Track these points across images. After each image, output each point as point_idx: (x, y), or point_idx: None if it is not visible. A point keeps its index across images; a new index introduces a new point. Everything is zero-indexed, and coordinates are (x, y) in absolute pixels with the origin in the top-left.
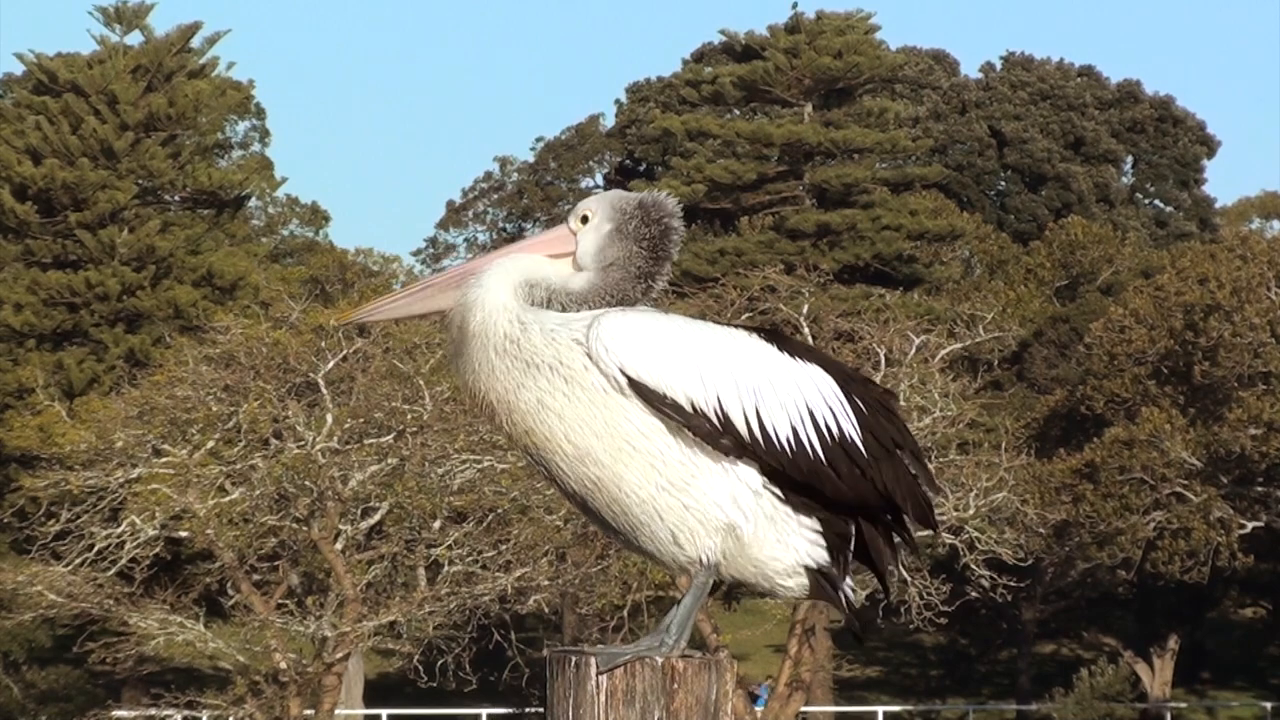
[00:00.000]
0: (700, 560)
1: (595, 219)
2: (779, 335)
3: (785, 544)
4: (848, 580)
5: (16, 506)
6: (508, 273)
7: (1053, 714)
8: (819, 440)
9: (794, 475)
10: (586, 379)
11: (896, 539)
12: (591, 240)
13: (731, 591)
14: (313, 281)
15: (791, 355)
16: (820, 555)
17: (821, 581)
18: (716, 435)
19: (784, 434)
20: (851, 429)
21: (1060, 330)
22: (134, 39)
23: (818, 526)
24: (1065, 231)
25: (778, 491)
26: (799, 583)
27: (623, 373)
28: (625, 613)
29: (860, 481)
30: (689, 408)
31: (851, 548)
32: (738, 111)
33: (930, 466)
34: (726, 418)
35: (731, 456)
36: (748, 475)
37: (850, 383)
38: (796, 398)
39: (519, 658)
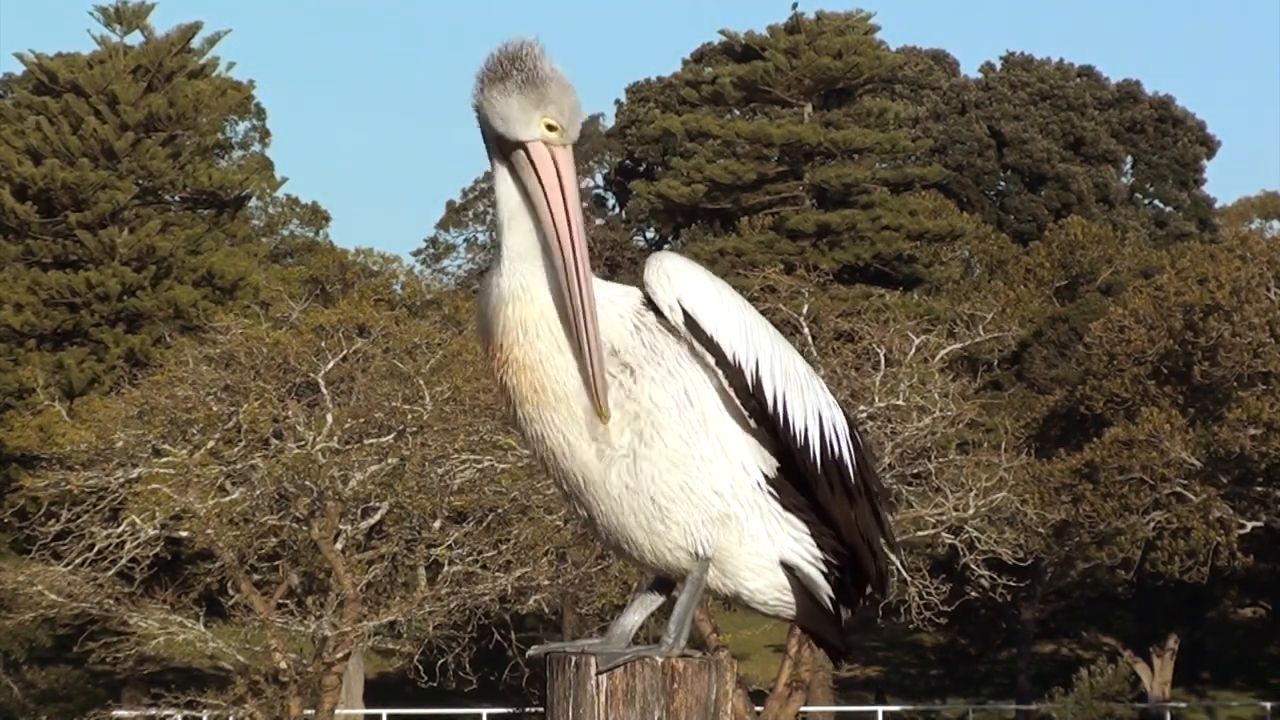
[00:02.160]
0: (695, 552)
1: (566, 119)
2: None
3: (776, 547)
4: (829, 590)
5: (16, 506)
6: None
7: (1052, 714)
8: (822, 448)
9: (800, 464)
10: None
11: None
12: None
13: None
14: (313, 281)
15: (810, 368)
16: (809, 567)
17: (810, 600)
18: (747, 394)
19: (798, 426)
20: (848, 455)
21: (1060, 330)
22: (134, 39)
23: (808, 533)
24: (1065, 231)
25: (774, 492)
26: (787, 598)
27: (680, 304)
28: None
29: (846, 507)
30: (731, 359)
31: (842, 564)
32: (738, 111)
33: (930, 467)
34: (759, 381)
35: (750, 426)
36: (750, 468)
37: (851, 420)
38: (814, 400)
39: (519, 658)
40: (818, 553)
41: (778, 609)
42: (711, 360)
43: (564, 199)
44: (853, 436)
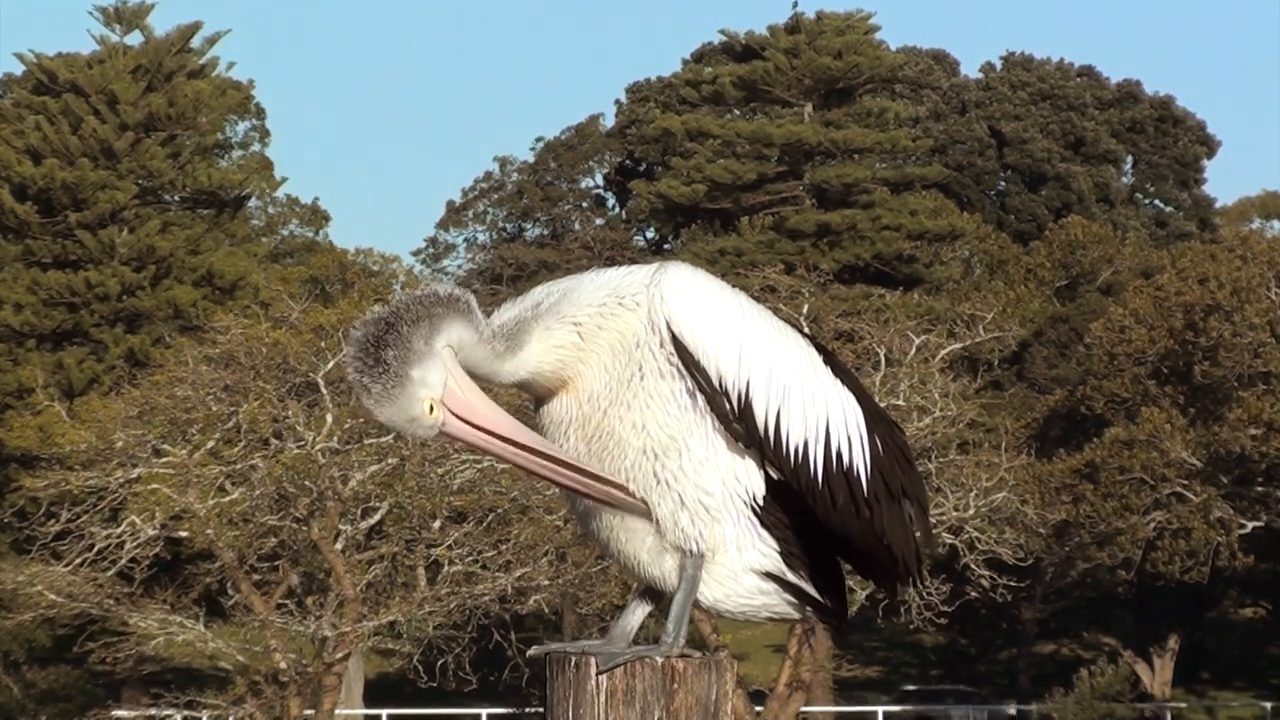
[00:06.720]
0: (687, 549)
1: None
2: (827, 351)
3: (743, 559)
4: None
5: (16, 506)
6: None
7: (1053, 714)
8: (824, 463)
9: (794, 485)
10: (619, 339)
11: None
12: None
13: None
14: (313, 281)
15: (832, 373)
16: (774, 582)
17: (778, 604)
18: (730, 419)
19: (795, 444)
20: (861, 463)
21: (1060, 330)
22: (134, 39)
23: (778, 551)
24: (1065, 231)
25: (757, 505)
26: (754, 603)
27: (669, 325)
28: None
29: (853, 518)
30: (716, 382)
31: (819, 577)
32: (738, 111)
33: (930, 467)
34: (748, 406)
35: (738, 446)
36: (741, 476)
37: (877, 421)
38: (819, 414)
39: (519, 658)
40: (785, 569)
41: (745, 615)
42: (702, 389)
43: (508, 453)
44: (874, 439)
